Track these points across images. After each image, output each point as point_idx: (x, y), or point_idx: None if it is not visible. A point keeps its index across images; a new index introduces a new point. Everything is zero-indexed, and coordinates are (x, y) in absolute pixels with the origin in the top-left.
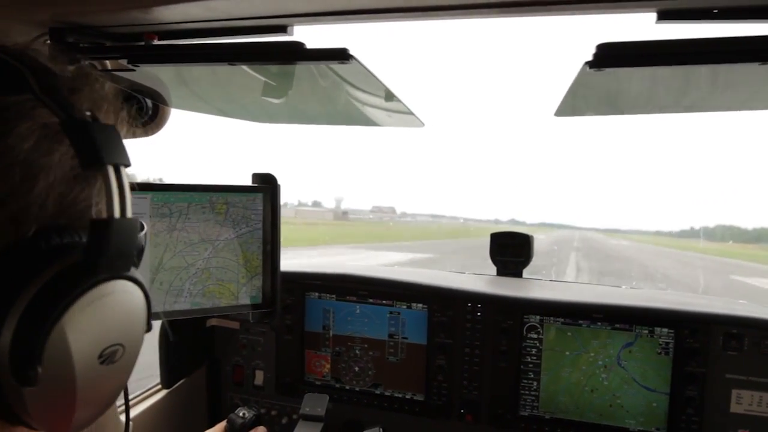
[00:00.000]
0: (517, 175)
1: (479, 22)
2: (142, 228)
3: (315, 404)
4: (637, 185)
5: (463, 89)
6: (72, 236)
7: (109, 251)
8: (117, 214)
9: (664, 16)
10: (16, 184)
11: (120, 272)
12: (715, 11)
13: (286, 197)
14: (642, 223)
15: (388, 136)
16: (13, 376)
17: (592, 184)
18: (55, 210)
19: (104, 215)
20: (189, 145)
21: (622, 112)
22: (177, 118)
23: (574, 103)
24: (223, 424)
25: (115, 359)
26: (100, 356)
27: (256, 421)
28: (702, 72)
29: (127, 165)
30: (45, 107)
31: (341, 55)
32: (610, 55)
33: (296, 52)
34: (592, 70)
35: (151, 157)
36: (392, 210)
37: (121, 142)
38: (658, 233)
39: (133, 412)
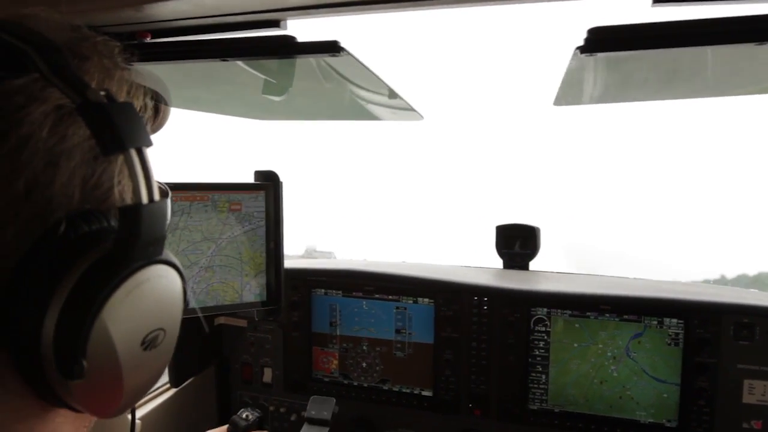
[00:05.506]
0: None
1: (481, 10)
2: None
3: (321, 408)
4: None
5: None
6: (100, 221)
7: (140, 238)
8: (144, 199)
9: None
10: (38, 175)
11: (153, 257)
12: None
13: None
14: (646, 271)
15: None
16: (58, 371)
17: (603, 233)
18: (80, 196)
19: (127, 195)
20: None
21: (621, 100)
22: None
23: (570, 92)
24: (225, 427)
25: (157, 343)
26: (143, 343)
27: (260, 423)
28: (699, 54)
29: (149, 145)
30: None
31: (332, 47)
32: (601, 39)
33: (286, 46)
34: (583, 55)
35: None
36: (330, 255)
37: (141, 122)
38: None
39: (141, 411)
